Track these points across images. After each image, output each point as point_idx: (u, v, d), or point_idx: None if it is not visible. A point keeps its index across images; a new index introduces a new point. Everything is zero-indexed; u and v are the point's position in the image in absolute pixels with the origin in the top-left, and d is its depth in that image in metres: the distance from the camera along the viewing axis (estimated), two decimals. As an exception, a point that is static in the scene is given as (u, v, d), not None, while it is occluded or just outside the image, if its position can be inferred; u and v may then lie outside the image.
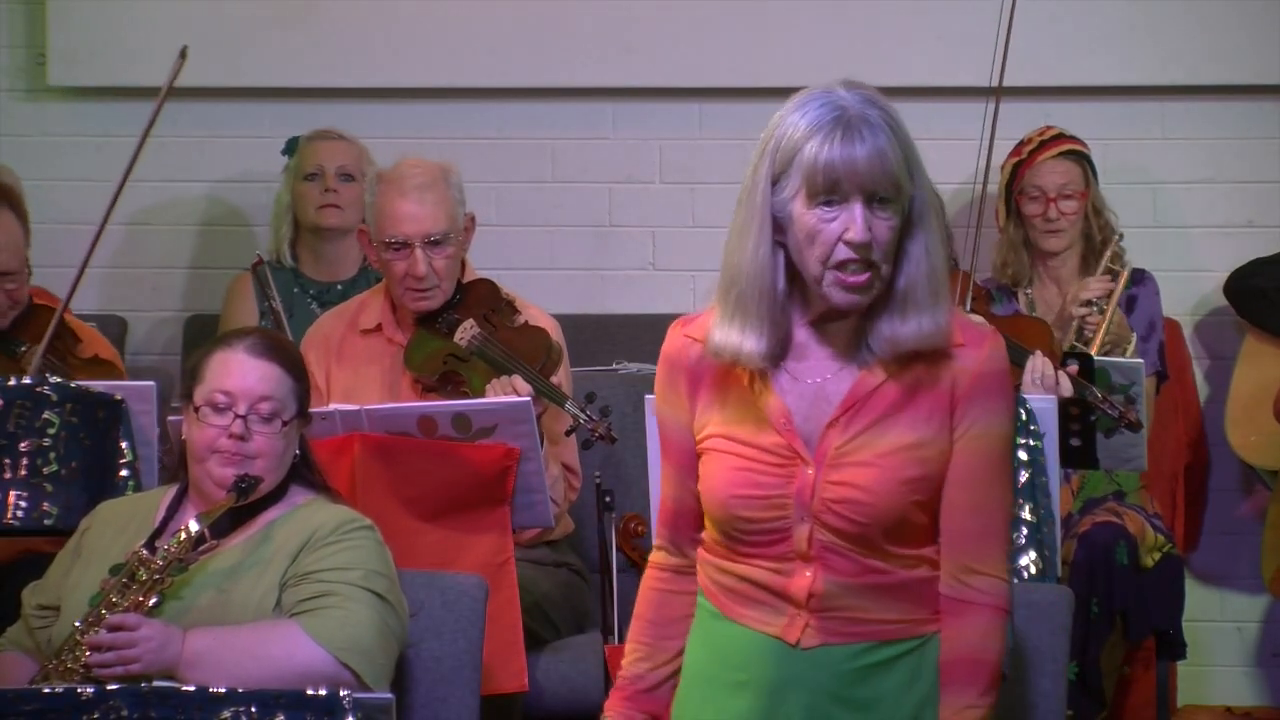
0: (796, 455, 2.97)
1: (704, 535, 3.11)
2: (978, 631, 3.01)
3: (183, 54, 5.04)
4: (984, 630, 3.01)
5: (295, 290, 5.77)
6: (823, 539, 2.96)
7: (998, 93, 4.99)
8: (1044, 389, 4.74)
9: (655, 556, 3.19)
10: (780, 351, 2.99)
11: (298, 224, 5.82)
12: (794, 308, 2.99)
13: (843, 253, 2.90)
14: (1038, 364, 4.78)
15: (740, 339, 2.96)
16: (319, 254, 5.81)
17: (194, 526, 3.69)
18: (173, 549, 3.68)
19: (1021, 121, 5.88)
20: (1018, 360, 4.75)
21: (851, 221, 2.90)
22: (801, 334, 3.00)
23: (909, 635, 3.01)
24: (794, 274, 2.98)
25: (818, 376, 2.99)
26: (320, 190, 5.75)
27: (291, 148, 5.88)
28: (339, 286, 5.69)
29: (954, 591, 3.00)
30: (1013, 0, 5.11)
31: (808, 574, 2.97)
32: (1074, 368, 4.86)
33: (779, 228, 2.95)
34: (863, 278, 2.91)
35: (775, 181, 2.94)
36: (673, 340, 3.09)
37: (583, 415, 4.54)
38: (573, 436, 4.68)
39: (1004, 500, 3.04)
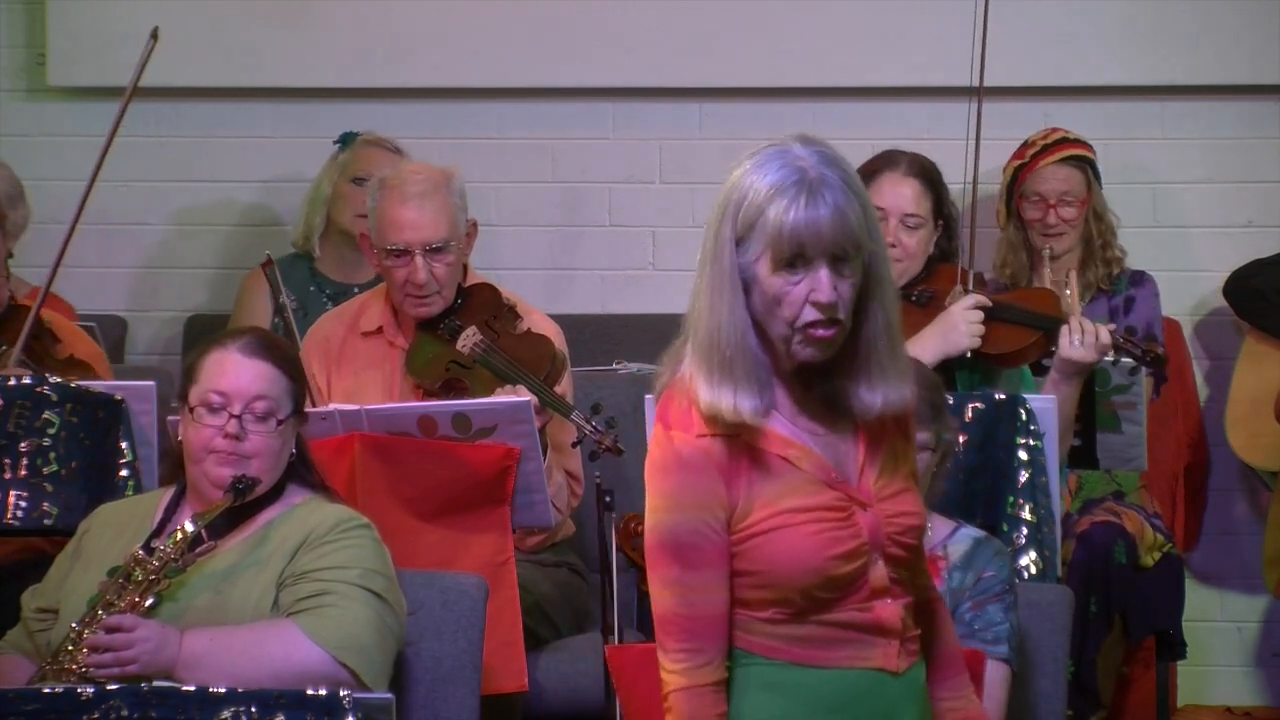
0: (852, 501, 3.00)
1: (743, 607, 3.00)
2: (948, 624, 3.20)
3: (154, 35, 5.02)
4: (949, 623, 3.22)
5: (311, 288, 5.76)
6: (889, 572, 3.02)
7: (979, 93, 4.99)
8: (1093, 349, 4.71)
9: (694, 679, 2.97)
10: (771, 404, 3.00)
11: (330, 219, 5.80)
12: (774, 365, 3.01)
13: (810, 314, 2.93)
14: (1075, 325, 4.74)
15: (734, 399, 2.95)
16: (343, 255, 5.80)
17: (189, 527, 3.69)
18: (169, 549, 3.68)
19: (1022, 121, 5.88)
20: (1049, 328, 4.74)
21: (818, 283, 2.92)
22: (788, 391, 3.02)
23: (920, 649, 3.12)
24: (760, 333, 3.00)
25: (823, 426, 3.03)
26: (364, 198, 5.73)
27: (347, 141, 5.84)
28: (355, 289, 5.68)
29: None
30: (985, 2, 5.11)
31: (889, 604, 3.02)
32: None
33: (745, 287, 2.97)
34: (829, 333, 2.94)
35: (739, 242, 2.96)
36: (687, 444, 2.98)
37: (588, 427, 4.51)
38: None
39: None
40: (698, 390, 2.98)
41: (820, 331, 2.93)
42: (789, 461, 2.99)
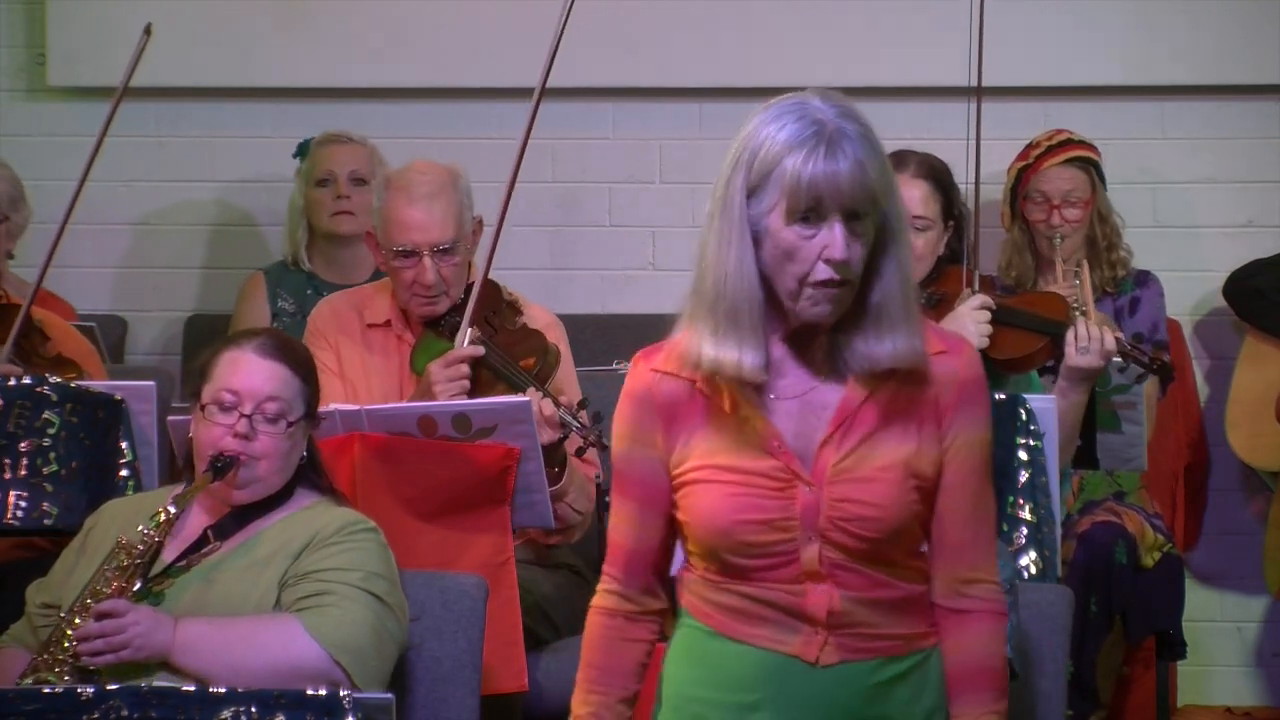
0: (795, 476, 2.93)
1: (690, 561, 3.04)
2: (982, 639, 3.00)
3: (147, 31, 5.03)
4: (988, 637, 3.00)
5: (309, 291, 5.77)
6: (832, 557, 2.92)
7: (979, 93, 4.99)
8: (1098, 355, 4.70)
9: (604, 600, 3.10)
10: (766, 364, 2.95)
11: (312, 227, 5.81)
12: (768, 323, 2.95)
13: (822, 271, 2.87)
14: (1081, 331, 4.74)
15: (739, 353, 2.91)
16: (333, 258, 5.81)
17: (172, 509, 3.71)
18: (151, 532, 3.69)
19: (1022, 122, 5.89)
20: (1055, 333, 4.74)
21: (832, 240, 2.86)
22: (778, 351, 2.96)
23: (913, 650, 2.99)
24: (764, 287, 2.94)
25: (799, 392, 2.95)
26: (332, 197, 5.75)
27: (303, 150, 5.87)
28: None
29: (952, 602, 2.99)
30: (981, 2, 5.11)
31: (822, 591, 2.93)
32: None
33: (754, 239, 2.91)
34: (837, 292, 2.88)
35: (750, 193, 2.90)
36: (639, 377, 3.03)
37: (575, 422, 4.52)
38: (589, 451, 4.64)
39: (990, 505, 3.04)
40: (699, 342, 2.94)
41: (831, 290, 2.87)
42: (736, 420, 2.94)
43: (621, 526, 3.08)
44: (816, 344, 2.95)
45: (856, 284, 2.89)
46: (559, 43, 4.95)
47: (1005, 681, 3.03)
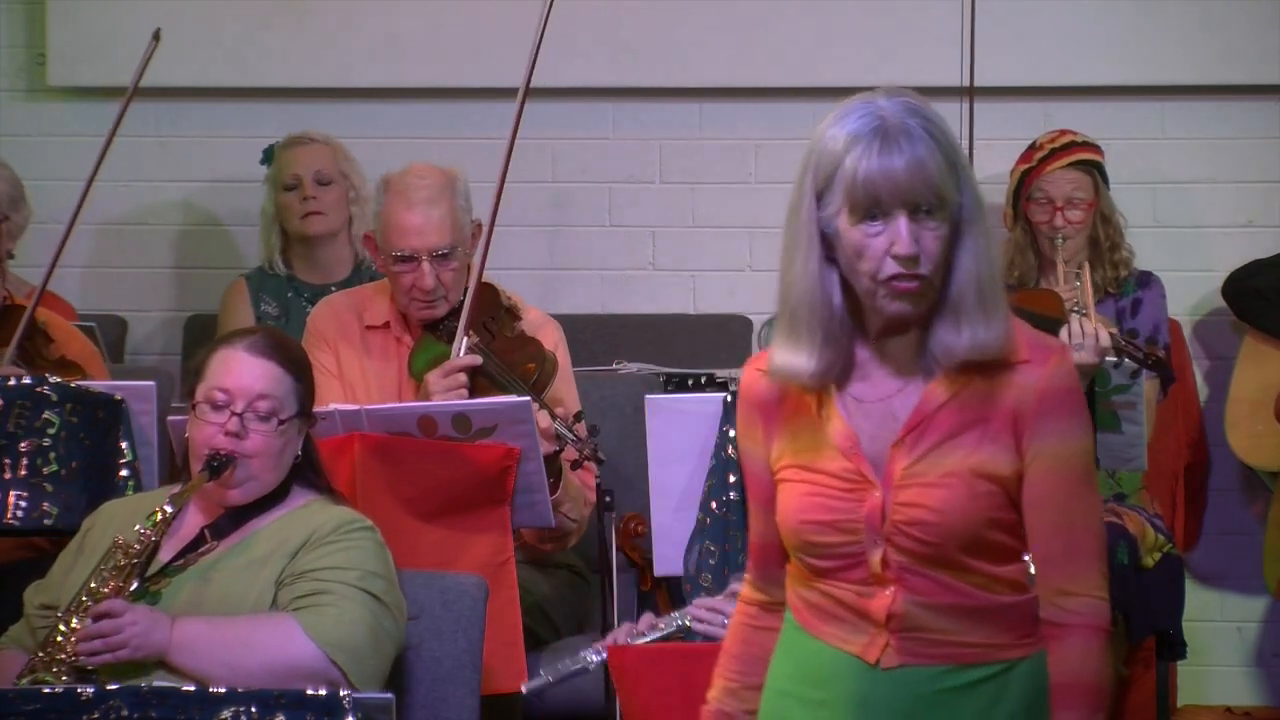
0: (864, 479, 2.92)
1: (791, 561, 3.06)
2: (1075, 653, 2.93)
3: (155, 36, 5.04)
4: (1081, 652, 2.93)
5: (290, 295, 5.77)
6: (898, 561, 2.91)
7: (970, 92, 4.99)
8: (1093, 352, 4.71)
9: (744, 592, 3.15)
10: (843, 371, 2.94)
11: (285, 232, 5.82)
12: (853, 326, 2.93)
13: (891, 268, 2.85)
14: (1075, 328, 4.74)
15: (797, 359, 2.91)
16: (311, 259, 5.81)
17: (168, 508, 3.71)
18: (148, 531, 3.69)
19: (1023, 122, 5.88)
20: (1049, 329, 4.74)
21: (897, 235, 2.84)
22: (863, 353, 2.95)
23: (991, 659, 2.94)
24: (850, 290, 2.92)
25: (881, 395, 2.94)
26: (300, 200, 5.74)
27: (269, 157, 5.87)
28: (333, 288, 5.69)
29: (1051, 615, 2.94)
30: (972, 3, 5.11)
31: (887, 594, 2.92)
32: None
33: (829, 244, 2.90)
34: (913, 285, 2.86)
35: (820, 196, 2.90)
36: (746, 376, 3.05)
37: (570, 435, 4.51)
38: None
39: (1089, 517, 2.95)
40: (774, 348, 2.95)
41: (903, 284, 2.85)
42: (818, 421, 2.95)
43: (752, 523, 3.10)
44: (902, 346, 2.94)
45: (935, 278, 2.87)
46: (540, 42, 4.95)
47: (1102, 699, 2.96)
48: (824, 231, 2.89)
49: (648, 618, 4.16)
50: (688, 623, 4.09)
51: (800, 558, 2.98)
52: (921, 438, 2.91)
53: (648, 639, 4.08)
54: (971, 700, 2.94)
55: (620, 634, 4.12)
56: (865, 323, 2.93)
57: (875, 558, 2.92)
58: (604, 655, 4.05)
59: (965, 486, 2.89)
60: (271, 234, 5.83)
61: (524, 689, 4.14)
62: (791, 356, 2.92)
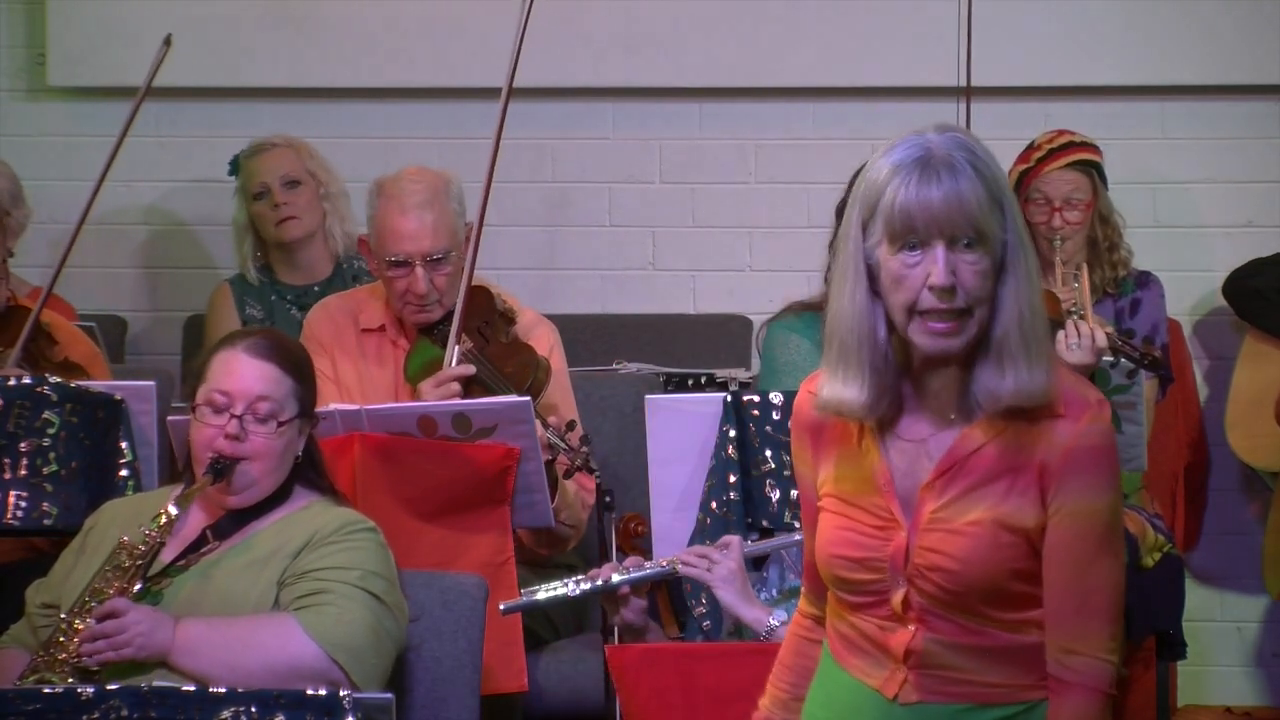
0: (893, 518, 2.93)
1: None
2: (1073, 714, 2.92)
3: (166, 41, 5.04)
4: (1080, 713, 2.92)
5: (273, 298, 5.76)
6: (920, 602, 2.91)
7: (968, 93, 4.99)
8: (1089, 352, 4.72)
9: (800, 605, 3.17)
10: (890, 405, 2.93)
11: (262, 239, 5.81)
12: (897, 360, 2.92)
13: (928, 300, 2.84)
14: (1071, 329, 4.75)
15: (843, 389, 2.90)
16: (291, 262, 5.80)
17: (173, 510, 3.71)
18: (152, 533, 3.69)
19: (1022, 122, 5.88)
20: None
21: (934, 265, 2.83)
22: (906, 389, 2.94)
23: (1011, 700, 2.93)
24: (894, 324, 2.92)
25: (920, 434, 2.94)
26: (271, 207, 5.73)
27: (235, 168, 5.86)
28: (316, 288, 5.69)
29: (1055, 670, 2.93)
30: (969, 3, 5.11)
31: (909, 631, 2.92)
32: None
33: (873, 275, 2.89)
34: (948, 324, 2.85)
35: (865, 227, 2.89)
36: (799, 399, 3.05)
37: (562, 444, 4.50)
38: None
39: (1107, 578, 2.94)
40: (823, 378, 2.95)
41: (937, 324, 2.84)
42: (859, 452, 2.96)
43: (805, 539, 3.11)
44: (946, 380, 2.92)
45: (976, 313, 2.86)
46: (521, 42, 4.95)
47: None
48: (869, 263, 2.89)
49: (635, 558, 4.19)
50: (678, 567, 4.11)
51: (832, 590, 3.00)
52: (952, 482, 2.91)
53: (632, 576, 4.13)
54: None
55: (605, 570, 4.15)
56: (909, 358, 2.92)
57: (897, 598, 2.93)
58: (587, 585, 4.10)
59: (989, 536, 2.89)
60: (244, 243, 5.83)
61: (501, 607, 4.15)
62: (841, 389, 2.92)
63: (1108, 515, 2.93)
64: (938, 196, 2.83)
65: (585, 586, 4.13)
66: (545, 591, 4.12)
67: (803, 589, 3.16)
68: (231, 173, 5.86)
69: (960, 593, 2.89)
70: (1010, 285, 2.87)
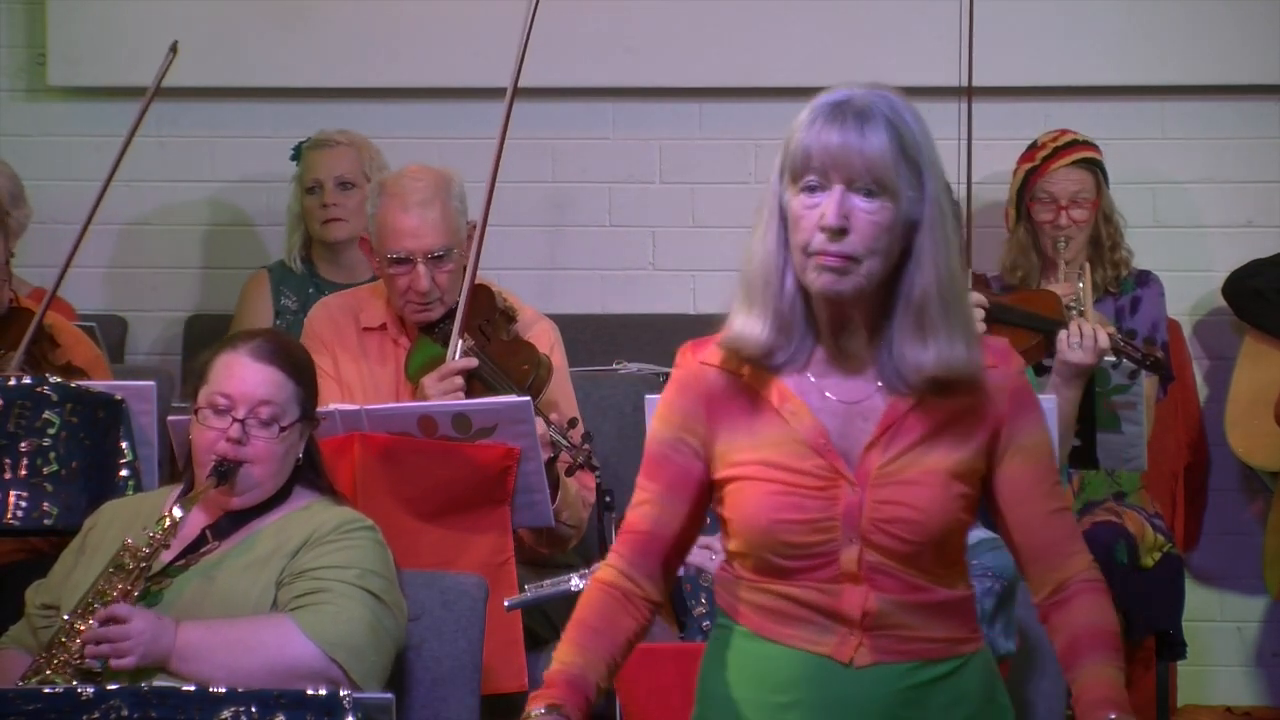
0: (839, 475, 2.90)
1: (728, 559, 3.02)
2: (1086, 607, 2.99)
3: (173, 49, 5.05)
4: (1092, 604, 3.00)
5: (311, 290, 5.76)
6: (871, 559, 2.89)
7: (969, 93, 4.99)
8: (1091, 352, 4.74)
9: (605, 574, 3.05)
10: (803, 365, 2.92)
11: (307, 233, 5.81)
12: (808, 317, 2.92)
13: (819, 240, 2.85)
14: (1074, 329, 4.77)
15: (744, 327, 2.91)
16: (334, 260, 5.80)
17: (177, 512, 3.71)
18: (157, 535, 3.69)
19: (1022, 122, 5.88)
20: (1048, 330, 4.76)
21: (827, 205, 2.84)
22: (820, 350, 2.93)
23: (951, 655, 2.95)
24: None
25: (846, 397, 2.93)
26: (320, 205, 5.73)
27: (297, 155, 5.86)
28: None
29: (1056, 598, 2.98)
30: (970, 3, 5.11)
31: (859, 592, 2.90)
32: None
33: (788, 222, 2.90)
34: (835, 260, 2.84)
35: (782, 174, 2.91)
36: (687, 366, 3.00)
37: (564, 441, 4.50)
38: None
39: (1065, 500, 3.02)
40: (730, 320, 2.94)
41: (828, 259, 2.84)
42: (782, 416, 2.92)
43: (642, 508, 3.02)
44: (860, 343, 2.92)
45: (865, 262, 2.85)
46: (526, 42, 4.95)
47: (1120, 644, 3.03)
48: (783, 209, 2.90)
49: None
50: None
51: (763, 557, 2.93)
52: (895, 439, 2.91)
53: None
54: (937, 695, 2.95)
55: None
56: (818, 313, 2.92)
57: (849, 556, 2.90)
58: (586, 580, 4.09)
59: (943, 485, 2.90)
60: (295, 232, 5.82)
61: (506, 604, 4.13)
62: (742, 326, 2.92)
63: (1050, 446, 3.01)
64: (836, 139, 2.84)
65: (584, 582, 4.12)
66: (550, 586, 4.11)
67: (616, 559, 3.03)
68: (293, 158, 5.85)
69: (919, 543, 2.89)
70: (927, 249, 2.87)
